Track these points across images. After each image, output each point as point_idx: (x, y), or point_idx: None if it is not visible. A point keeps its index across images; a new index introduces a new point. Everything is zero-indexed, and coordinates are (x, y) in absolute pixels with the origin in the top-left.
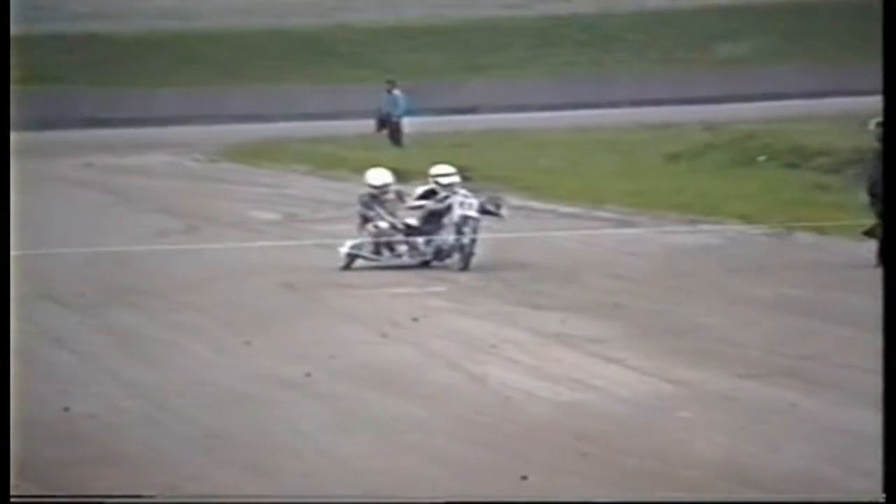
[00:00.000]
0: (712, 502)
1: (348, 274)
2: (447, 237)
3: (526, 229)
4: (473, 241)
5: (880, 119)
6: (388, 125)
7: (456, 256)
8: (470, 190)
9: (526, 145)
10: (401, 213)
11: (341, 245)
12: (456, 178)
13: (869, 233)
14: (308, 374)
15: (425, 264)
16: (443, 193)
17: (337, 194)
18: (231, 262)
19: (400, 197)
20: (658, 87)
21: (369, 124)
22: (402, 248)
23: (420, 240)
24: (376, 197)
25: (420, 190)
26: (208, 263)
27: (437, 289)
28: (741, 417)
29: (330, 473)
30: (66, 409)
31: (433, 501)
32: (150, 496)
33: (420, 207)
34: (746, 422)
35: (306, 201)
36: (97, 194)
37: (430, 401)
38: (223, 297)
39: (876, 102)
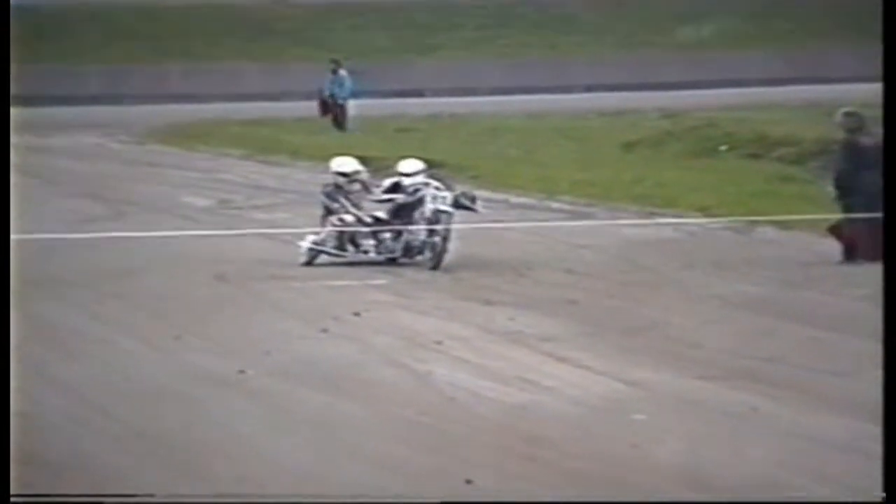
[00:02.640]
0: (711, 502)
1: (286, 265)
2: (418, 232)
3: (475, 220)
4: (446, 237)
5: (848, 109)
6: (333, 107)
7: (427, 253)
8: (442, 182)
9: (476, 131)
10: (367, 205)
11: (302, 239)
12: (422, 177)
13: (834, 229)
14: (242, 371)
15: (392, 261)
16: (412, 187)
17: (275, 180)
18: (161, 251)
19: (366, 188)
20: (616, 71)
21: (311, 106)
22: (369, 244)
23: (388, 235)
24: (341, 187)
25: (388, 182)
26: (137, 252)
27: (379, 281)
28: (699, 421)
29: (264, 476)
30: None
31: (434, 501)
32: (150, 496)
33: (389, 200)
34: (705, 425)
35: (242, 187)
36: (17, 177)
37: (371, 400)
38: (152, 289)
39: (843, 90)
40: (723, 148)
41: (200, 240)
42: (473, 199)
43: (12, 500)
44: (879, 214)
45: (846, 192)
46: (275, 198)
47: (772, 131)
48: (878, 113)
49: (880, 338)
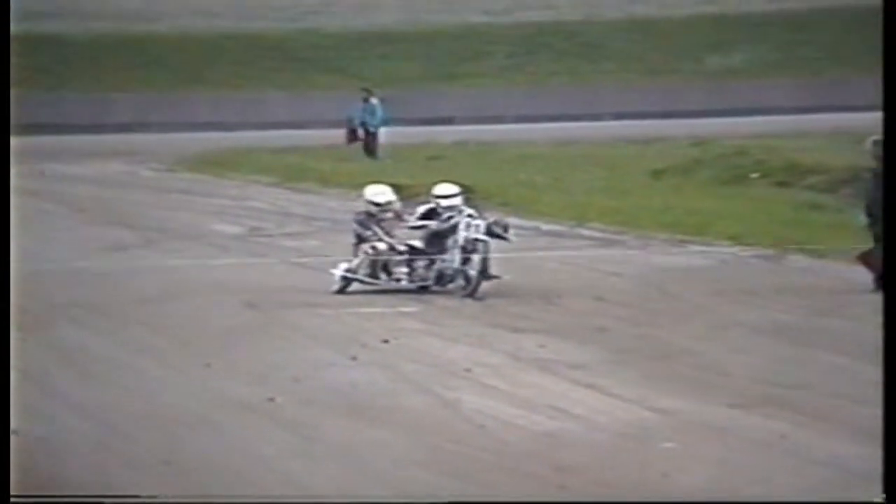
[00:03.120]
0: (712, 502)
1: (316, 292)
2: (451, 261)
3: (505, 248)
4: (484, 265)
5: (877, 137)
6: (365, 135)
7: (460, 281)
8: (475, 210)
9: (505, 158)
10: (399, 232)
11: (334, 267)
12: (458, 199)
13: (864, 257)
14: (271, 399)
15: (425, 289)
16: (446, 213)
17: (304, 207)
18: (191, 279)
19: (398, 216)
20: (644, 98)
21: (338, 133)
22: (402, 272)
23: (421, 263)
24: (374, 215)
25: (421, 209)
26: (166, 280)
27: (408, 309)
28: (728, 449)
29: (259, 499)
30: (14, 433)
31: (433, 502)
32: (151, 496)
33: (423, 227)
34: (733, 453)
35: (272, 214)
36: (48, 205)
37: (400, 428)
38: (182, 316)
39: (872, 118)
40: (753, 176)
41: (230, 267)
42: (506, 228)
43: (12, 500)
44: None
45: (878, 220)
46: (305, 225)
47: (801, 159)
48: None
49: None
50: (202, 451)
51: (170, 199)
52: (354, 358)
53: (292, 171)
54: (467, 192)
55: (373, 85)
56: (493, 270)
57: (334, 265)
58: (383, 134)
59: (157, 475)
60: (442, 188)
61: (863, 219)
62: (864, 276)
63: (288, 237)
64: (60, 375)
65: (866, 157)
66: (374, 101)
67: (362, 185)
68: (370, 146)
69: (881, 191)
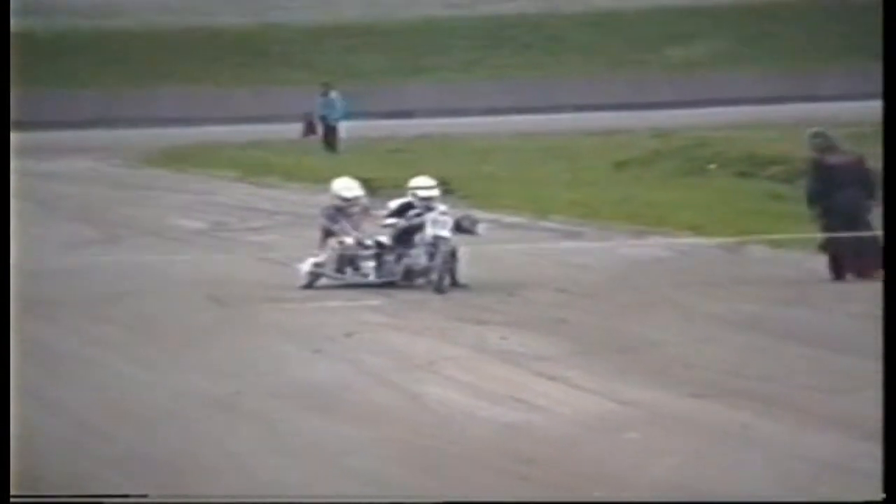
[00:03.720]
0: (712, 502)
1: (279, 287)
2: (418, 257)
3: (466, 240)
4: (446, 262)
5: (815, 129)
6: (325, 129)
7: (428, 277)
8: (448, 205)
9: (467, 151)
10: (366, 227)
11: (301, 262)
12: (435, 192)
13: (823, 247)
14: (237, 393)
15: (392, 284)
16: (417, 210)
17: (267, 202)
18: (155, 274)
19: (366, 210)
20: (606, 91)
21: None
22: (369, 266)
23: (389, 258)
24: (341, 209)
25: (395, 204)
26: (131, 276)
27: (372, 302)
28: (693, 439)
29: (260, 497)
30: None
31: (433, 502)
32: (152, 496)
33: (392, 225)
34: (698, 444)
35: (235, 209)
36: (11, 201)
37: (365, 421)
38: (147, 312)
39: (833, 108)
40: (712, 167)
41: (194, 263)
42: (475, 223)
43: (12, 500)
44: (858, 233)
45: (823, 213)
46: (268, 220)
47: (762, 150)
48: (861, 130)
49: (872, 355)
50: (169, 446)
51: (134, 195)
52: (318, 351)
53: (256, 165)
54: (444, 186)
55: (336, 79)
56: (462, 269)
57: (299, 259)
58: (344, 128)
59: (126, 470)
60: (418, 181)
61: (808, 210)
62: (822, 266)
63: (251, 232)
64: (27, 372)
65: (806, 149)
66: (333, 94)
67: (326, 180)
68: (330, 140)
69: (821, 183)
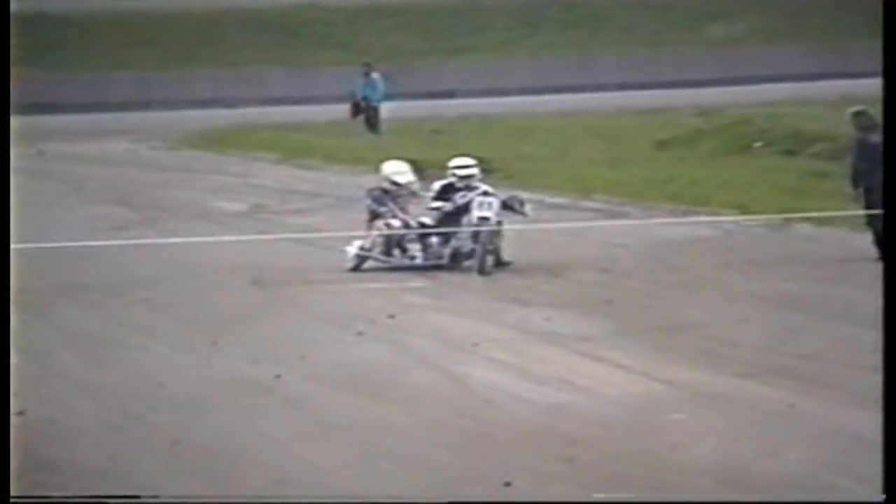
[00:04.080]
0: (712, 502)
1: (321, 269)
2: (465, 238)
3: (509, 221)
4: (488, 244)
5: (858, 108)
6: (366, 110)
7: (474, 259)
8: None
9: (508, 131)
10: (413, 209)
11: (348, 244)
12: (475, 171)
13: (871, 224)
14: (278, 376)
15: (440, 267)
16: (461, 191)
17: (308, 184)
18: (194, 257)
19: (413, 192)
20: (647, 69)
21: (341, 109)
22: (416, 249)
23: (436, 240)
24: (388, 192)
25: (438, 185)
26: (170, 259)
27: (414, 284)
28: (737, 419)
29: (302, 482)
30: (21, 413)
31: (434, 502)
32: (152, 496)
33: (438, 209)
34: (742, 423)
35: (275, 191)
36: (48, 184)
37: (408, 403)
38: (186, 295)
39: (877, 85)
40: (757, 145)
41: (234, 245)
42: (522, 203)
43: (12, 500)
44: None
45: (866, 192)
46: (309, 202)
47: (806, 127)
48: None
49: None
50: (210, 431)
51: (171, 177)
52: (361, 333)
53: (295, 147)
54: (484, 165)
55: (374, 59)
56: (505, 249)
57: (341, 242)
58: (385, 109)
59: (167, 455)
60: (458, 161)
61: (851, 191)
62: (868, 244)
63: (292, 214)
64: (64, 356)
65: (849, 128)
66: (374, 75)
67: (366, 161)
68: (372, 121)
69: (865, 162)
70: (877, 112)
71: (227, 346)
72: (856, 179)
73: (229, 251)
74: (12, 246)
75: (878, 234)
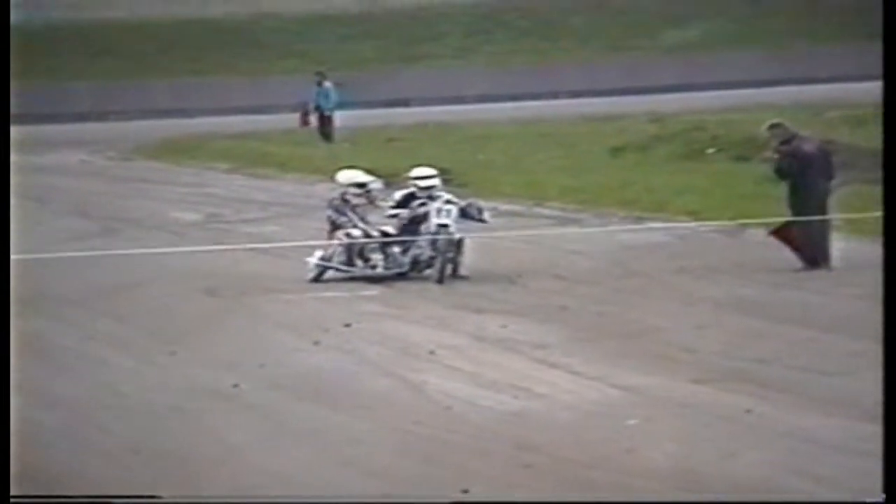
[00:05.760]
0: (711, 503)
1: (276, 278)
2: (425, 247)
3: (463, 229)
4: (447, 252)
5: (772, 121)
6: (320, 119)
7: (434, 267)
8: (453, 194)
9: (463, 139)
10: (373, 218)
11: (310, 256)
12: (436, 181)
13: (779, 233)
14: (236, 385)
15: (402, 276)
16: (421, 199)
17: (263, 193)
18: (152, 267)
19: (372, 201)
20: (602, 76)
21: (297, 118)
22: (377, 258)
23: (397, 249)
24: (347, 201)
25: (398, 194)
26: (127, 269)
27: (369, 292)
28: (693, 424)
29: (261, 489)
30: None
31: (434, 501)
32: (152, 496)
33: (396, 216)
34: (699, 428)
35: (230, 201)
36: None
37: (365, 411)
38: (144, 305)
39: (831, 90)
40: (711, 151)
41: (190, 255)
42: (480, 211)
43: (12, 500)
44: (826, 216)
45: (795, 199)
46: (264, 211)
47: (760, 133)
48: (858, 113)
49: (872, 337)
50: (170, 439)
51: (128, 187)
52: (317, 343)
53: (251, 156)
54: (445, 175)
55: (331, 68)
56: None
57: (295, 251)
58: (339, 117)
59: (127, 465)
60: (419, 171)
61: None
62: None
63: (246, 223)
64: (24, 366)
65: (768, 141)
66: (327, 84)
67: (321, 170)
68: (325, 130)
69: (785, 168)
70: (790, 125)
71: (186, 355)
72: (789, 188)
73: (186, 261)
74: None
75: (792, 240)
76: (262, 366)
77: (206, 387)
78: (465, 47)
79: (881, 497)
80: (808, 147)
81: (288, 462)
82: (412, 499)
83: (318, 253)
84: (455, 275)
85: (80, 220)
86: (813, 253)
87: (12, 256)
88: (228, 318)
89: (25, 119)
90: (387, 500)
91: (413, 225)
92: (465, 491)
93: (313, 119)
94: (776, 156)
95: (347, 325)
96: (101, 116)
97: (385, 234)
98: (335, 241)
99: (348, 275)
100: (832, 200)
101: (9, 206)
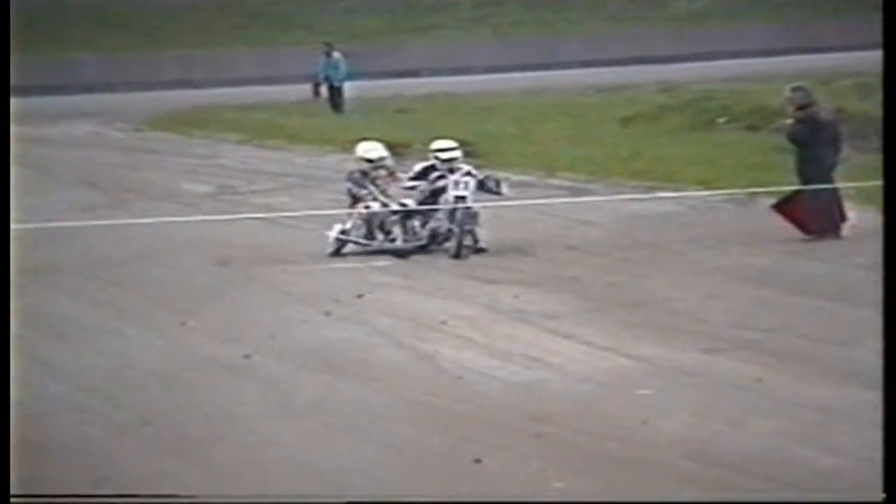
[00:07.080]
0: (711, 502)
1: (288, 249)
2: (443, 219)
3: (476, 200)
4: (466, 224)
5: (796, 84)
6: (329, 90)
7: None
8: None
9: (473, 110)
10: (393, 191)
11: (329, 229)
12: (457, 153)
13: (780, 207)
14: (247, 356)
15: (422, 248)
16: (440, 172)
17: (273, 164)
18: (162, 238)
19: (392, 174)
20: (611, 46)
21: (306, 89)
22: (397, 231)
23: (416, 222)
24: (367, 174)
25: (419, 167)
26: (137, 240)
27: (381, 263)
28: (705, 393)
29: (272, 461)
30: None
31: (434, 501)
32: (152, 496)
33: (413, 188)
34: (710, 398)
35: (241, 172)
36: (14, 168)
37: (377, 382)
38: (155, 276)
39: (839, 59)
40: (721, 120)
41: (201, 226)
42: (498, 183)
43: (12, 500)
44: (832, 185)
45: (805, 166)
46: (274, 182)
47: (770, 102)
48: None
49: (880, 306)
50: (180, 411)
51: (138, 158)
52: (328, 314)
53: (260, 128)
54: (467, 147)
55: (338, 39)
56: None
57: (307, 221)
58: (348, 88)
59: (138, 437)
60: (440, 143)
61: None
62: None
63: (258, 194)
64: (34, 338)
65: (787, 104)
66: (336, 55)
67: (331, 141)
68: (335, 101)
69: (806, 136)
70: (813, 90)
71: (197, 326)
72: (799, 154)
73: (197, 232)
74: None
75: (811, 211)
76: (273, 336)
77: (217, 357)
78: (473, 18)
79: (881, 497)
80: (824, 115)
81: (297, 432)
82: (420, 498)
83: (338, 226)
84: (476, 247)
85: (90, 190)
86: (822, 222)
87: (22, 226)
88: (240, 289)
89: (34, 91)
90: (386, 499)
91: (432, 197)
92: (478, 461)
93: (324, 90)
94: (790, 120)
95: (359, 296)
96: (110, 88)
97: (405, 207)
98: (353, 212)
99: (368, 248)
100: (841, 170)
101: (9, 186)
